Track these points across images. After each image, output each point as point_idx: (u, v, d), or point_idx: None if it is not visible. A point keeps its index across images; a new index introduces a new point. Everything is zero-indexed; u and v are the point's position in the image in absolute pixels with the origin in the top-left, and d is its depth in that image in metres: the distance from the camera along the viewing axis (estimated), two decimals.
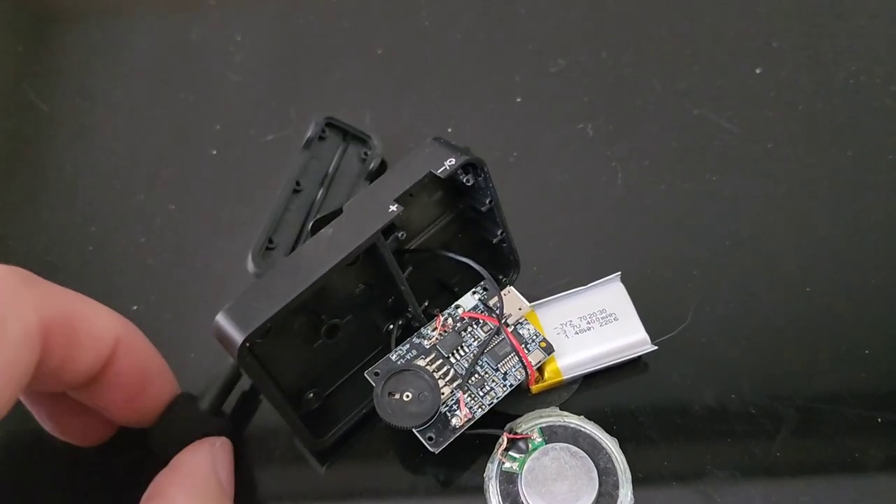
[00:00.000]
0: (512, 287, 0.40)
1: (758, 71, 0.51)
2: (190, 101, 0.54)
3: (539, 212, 0.46)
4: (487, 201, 0.39)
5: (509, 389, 0.37)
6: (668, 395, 0.40)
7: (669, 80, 0.51)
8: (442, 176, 0.36)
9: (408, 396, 0.36)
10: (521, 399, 0.39)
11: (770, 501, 0.36)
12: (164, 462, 0.35)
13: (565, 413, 0.38)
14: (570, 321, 0.40)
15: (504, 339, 0.38)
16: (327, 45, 0.56)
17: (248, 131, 0.52)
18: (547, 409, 0.39)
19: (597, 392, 0.40)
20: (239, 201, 0.48)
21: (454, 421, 0.36)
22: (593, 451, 0.37)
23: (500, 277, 0.42)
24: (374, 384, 0.36)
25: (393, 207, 0.36)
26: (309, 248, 0.35)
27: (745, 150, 0.48)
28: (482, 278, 0.40)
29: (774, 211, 0.45)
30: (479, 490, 0.37)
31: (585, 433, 0.37)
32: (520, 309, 0.39)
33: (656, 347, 0.39)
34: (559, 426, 0.38)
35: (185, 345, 0.43)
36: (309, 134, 0.47)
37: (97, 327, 0.34)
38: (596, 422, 0.38)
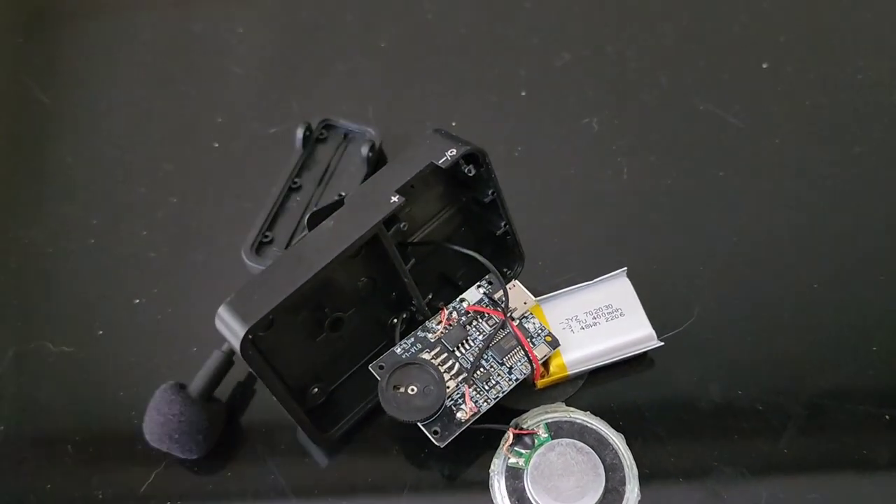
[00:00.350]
0: (517, 281, 0.40)
1: (764, 66, 0.51)
2: (192, 94, 0.54)
3: (544, 206, 0.46)
4: (490, 192, 0.39)
5: (515, 384, 0.37)
6: (674, 392, 0.39)
7: (675, 75, 0.51)
8: (443, 166, 0.36)
9: (413, 390, 0.36)
10: (525, 394, 0.39)
11: (777, 499, 0.36)
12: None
13: (571, 408, 0.38)
14: (576, 316, 0.40)
15: (509, 333, 0.38)
16: (330, 37, 0.56)
17: (251, 124, 0.51)
18: (552, 405, 0.38)
19: (602, 388, 0.39)
20: (242, 194, 0.48)
21: (459, 415, 0.35)
22: (599, 446, 0.36)
23: (505, 271, 0.42)
24: (378, 378, 0.36)
25: (394, 198, 0.35)
26: (310, 240, 0.35)
27: (751, 145, 0.47)
28: (486, 272, 0.39)
29: (781, 207, 0.45)
30: (484, 485, 0.37)
31: (592, 429, 0.37)
32: (525, 303, 0.39)
33: (662, 343, 0.39)
34: (565, 422, 0.37)
35: (187, 338, 0.42)
36: (305, 134, 0.47)
37: None
38: (602, 418, 0.38)
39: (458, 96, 0.52)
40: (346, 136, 0.48)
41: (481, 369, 0.37)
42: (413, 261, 0.38)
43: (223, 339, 0.39)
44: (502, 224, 0.40)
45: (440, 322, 0.38)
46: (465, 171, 0.37)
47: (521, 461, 0.36)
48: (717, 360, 0.40)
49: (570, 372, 0.38)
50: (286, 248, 0.43)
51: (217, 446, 0.38)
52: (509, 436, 0.36)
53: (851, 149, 0.47)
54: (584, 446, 0.36)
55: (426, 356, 0.37)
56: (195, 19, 0.58)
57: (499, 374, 0.37)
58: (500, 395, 0.36)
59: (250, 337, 0.33)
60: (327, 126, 0.48)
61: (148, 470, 0.39)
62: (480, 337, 0.38)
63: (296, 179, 0.46)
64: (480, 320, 0.38)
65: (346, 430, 0.38)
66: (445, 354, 0.37)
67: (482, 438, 0.38)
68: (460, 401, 0.36)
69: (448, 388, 0.36)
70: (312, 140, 0.48)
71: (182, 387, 0.38)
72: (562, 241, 0.45)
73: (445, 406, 0.35)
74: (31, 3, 0.61)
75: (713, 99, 0.49)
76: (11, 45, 0.59)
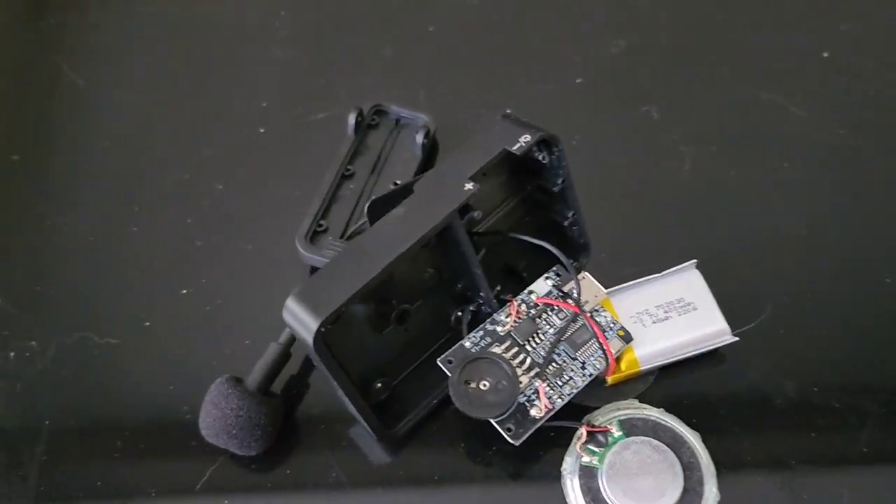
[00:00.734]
0: (587, 272, 0.38)
1: (825, 55, 0.50)
2: (234, 78, 0.52)
3: (604, 196, 0.44)
4: (560, 181, 0.37)
5: (589, 379, 0.35)
6: (748, 388, 0.38)
7: (734, 63, 0.50)
8: (518, 153, 0.34)
9: (485, 385, 0.34)
10: (595, 390, 0.37)
11: (859, 499, 0.35)
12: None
13: (644, 405, 0.37)
14: (647, 310, 0.38)
15: (582, 325, 0.36)
16: (375, 20, 0.54)
17: (297, 109, 0.50)
18: (624, 402, 0.37)
19: (674, 384, 0.38)
20: (289, 181, 0.46)
21: (534, 412, 0.34)
22: (675, 444, 0.35)
23: (571, 262, 0.40)
24: (448, 373, 0.34)
25: (469, 185, 0.34)
26: (379, 230, 0.34)
27: (816, 135, 0.46)
28: (552, 264, 0.38)
29: (851, 199, 0.44)
30: (555, 484, 0.35)
31: (666, 426, 0.36)
32: (596, 296, 0.38)
33: (737, 339, 0.38)
34: (638, 419, 0.36)
35: (240, 330, 0.41)
36: (357, 119, 0.45)
37: None
38: (675, 414, 0.36)
39: (511, 83, 0.50)
40: (397, 122, 0.47)
41: (553, 364, 0.36)
42: (483, 251, 0.37)
43: (276, 331, 0.38)
44: (570, 214, 0.39)
45: (509, 315, 0.37)
46: (539, 157, 0.36)
47: (595, 460, 0.35)
48: (791, 356, 0.39)
49: (643, 367, 0.37)
50: (341, 237, 0.42)
51: (274, 442, 0.37)
52: (582, 433, 0.35)
53: None
54: (660, 444, 0.35)
55: (496, 350, 0.36)
56: (236, 2, 0.56)
57: (572, 370, 0.36)
58: (574, 391, 0.35)
59: (322, 330, 0.31)
60: (378, 112, 0.47)
61: (203, 466, 0.37)
62: (551, 330, 0.36)
63: (348, 167, 0.44)
64: (550, 313, 0.37)
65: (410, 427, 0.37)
66: (516, 349, 0.36)
67: (551, 435, 0.36)
68: (533, 397, 0.35)
69: (520, 383, 0.35)
70: (364, 126, 0.46)
71: (238, 380, 0.37)
72: (623, 232, 0.43)
73: (518, 402, 0.34)
74: None
75: (775, 88, 0.48)
76: (44, 25, 0.57)
